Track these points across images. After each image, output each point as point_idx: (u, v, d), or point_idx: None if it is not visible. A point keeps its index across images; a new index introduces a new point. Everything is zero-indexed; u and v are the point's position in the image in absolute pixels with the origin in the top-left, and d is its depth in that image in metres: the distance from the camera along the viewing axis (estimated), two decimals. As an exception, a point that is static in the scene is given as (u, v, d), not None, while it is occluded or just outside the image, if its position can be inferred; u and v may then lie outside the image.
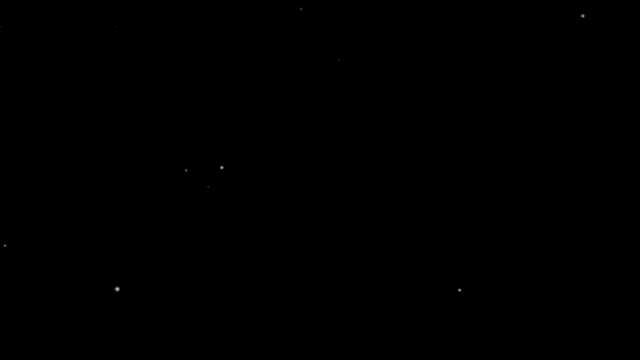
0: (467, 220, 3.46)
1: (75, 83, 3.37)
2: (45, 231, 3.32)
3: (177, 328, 3.35)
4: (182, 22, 3.39)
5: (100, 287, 3.30)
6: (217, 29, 3.40)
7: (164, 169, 3.34)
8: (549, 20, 3.46)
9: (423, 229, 3.45)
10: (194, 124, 3.38)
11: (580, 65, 3.47)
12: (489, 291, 3.45)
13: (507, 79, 3.46)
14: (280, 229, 3.41)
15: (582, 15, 3.46)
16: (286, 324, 3.39)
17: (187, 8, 3.39)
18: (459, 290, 3.44)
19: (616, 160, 3.47)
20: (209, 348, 3.37)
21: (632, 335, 3.41)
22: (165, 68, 3.38)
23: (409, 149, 3.46)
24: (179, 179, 3.34)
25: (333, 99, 3.44)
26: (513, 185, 3.46)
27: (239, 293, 3.39)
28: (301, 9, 3.32)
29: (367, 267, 3.44)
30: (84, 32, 3.37)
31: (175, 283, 3.35)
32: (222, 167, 3.32)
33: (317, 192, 3.43)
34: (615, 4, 3.46)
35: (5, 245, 3.29)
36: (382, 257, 3.44)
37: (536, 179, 3.46)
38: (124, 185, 3.34)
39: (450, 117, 3.46)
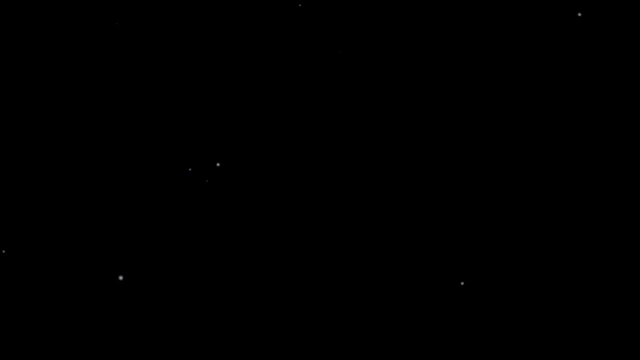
0: (468, 214, 3.46)
1: (73, 79, 3.39)
2: (48, 222, 3.35)
3: (180, 316, 3.35)
4: (180, 18, 3.42)
5: (105, 276, 3.33)
6: (214, 26, 3.42)
7: (162, 165, 3.38)
8: (546, 19, 3.49)
9: (425, 224, 3.45)
10: (192, 121, 3.41)
11: (577, 64, 3.49)
12: (491, 285, 3.43)
13: (504, 76, 3.48)
14: (275, 219, 3.43)
15: (579, 14, 3.49)
16: (282, 309, 3.39)
17: (184, 4, 3.45)
18: (462, 283, 3.43)
19: (611, 156, 3.47)
20: (209, 337, 3.37)
21: (632, 327, 3.38)
22: (162, 64, 3.41)
23: (411, 143, 3.47)
24: (178, 175, 3.38)
25: (330, 97, 3.46)
26: (513, 181, 3.47)
27: (238, 286, 3.40)
28: (300, 5, 3.37)
29: (369, 262, 3.43)
30: (84, 31, 3.40)
31: (177, 272, 3.37)
32: (218, 164, 3.37)
33: (315, 187, 3.45)
34: (612, 2, 3.49)
35: (4, 252, 3.32)
36: (384, 251, 3.43)
37: (535, 174, 3.47)
38: (125, 180, 3.38)
39: (449, 112, 3.48)
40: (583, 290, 3.43)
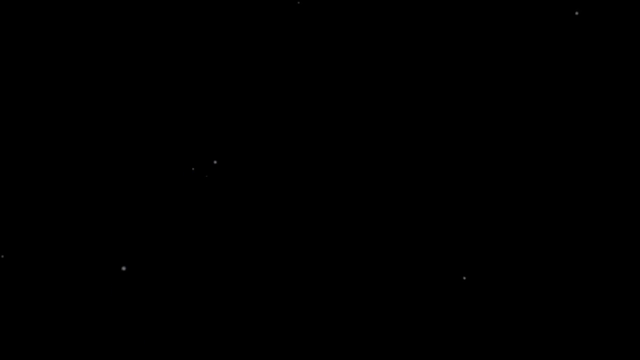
0: (470, 210, 3.45)
1: (74, 79, 3.42)
2: (53, 214, 3.38)
3: (181, 307, 3.37)
4: (177, 16, 3.44)
5: (108, 267, 3.36)
6: (212, 22, 3.45)
7: (163, 161, 3.41)
8: (543, 18, 3.51)
9: (427, 219, 3.45)
10: (189, 120, 3.42)
11: (574, 63, 3.49)
12: (493, 280, 3.42)
13: (502, 75, 3.49)
14: (273, 213, 3.44)
15: (576, 13, 3.51)
16: (281, 298, 3.39)
17: (182, 2, 3.46)
18: (464, 278, 3.42)
19: (609, 152, 3.47)
20: (211, 327, 3.37)
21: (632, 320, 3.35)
22: (159, 61, 3.43)
23: (411, 140, 3.48)
24: (179, 172, 3.42)
25: (327, 94, 3.47)
26: (514, 177, 3.47)
27: (237, 279, 3.41)
28: (299, 2, 3.42)
29: (370, 257, 3.43)
30: (84, 31, 3.43)
31: (178, 263, 3.39)
32: (215, 162, 3.42)
33: (314, 183, 3.47)
34: (609, 1, 3.51)
35: (3, 257, 3.36)
36: (385, 246, 3.43)
37: (534, 171, 3.47)
38: (127, 175, 3.40)
39: (448, 107, 3.50)
40: (584, 287, 3.40)
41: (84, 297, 3.34)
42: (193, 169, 3.39)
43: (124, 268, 3.33)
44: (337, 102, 3.47)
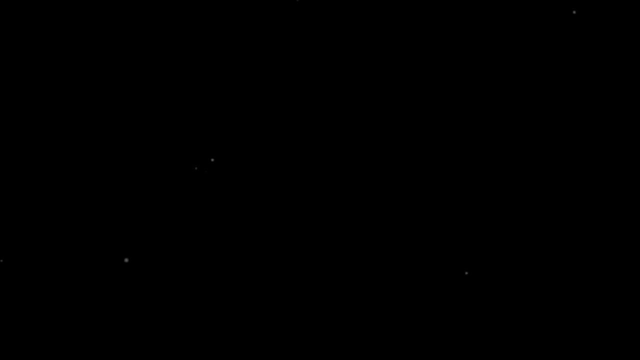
0: (471, 205, 3.46)
1: (74, 79, 3.44)
2: (57, 207, 3.39)
3: (183, 298, 3.36)
4: (175, 14, 3.46)
5: (111, 258, 3.38)
6: (210, 22, 3.46)
7: (164, 158, 3.42)
8: (541, 17, 3.52)
9: (429, 214, 3.45)
10: (187, 119, 3.43)
11: (571, 62, 3.51)
12: (495, 275, 3.41)
13: (499, 74, 3.50)
14: (270, 208, 3.45)
15: (574, 12, 3.54)
16: (282, 290, 3.38)
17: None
18: (466, 273, 3.42)
19: (607, 149, 3.48)
20: (212, 318, 3.36)
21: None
22: (156, 58, 3.44)
23: (412, 135, 3.49)
24: (179, 169, 3.44)
25: (325, 93, 3.47)
26: (515, 174, 3.48)
27: (237, 272, 3.42)
28: (297, 0, 3.46)
29: (372, 253, 3.43)
30: (84, 31, 3.44)
31: (179, 255, 3.40)
32: (212, 160, 3.45)
33: (315, 180, 3.48)
34: (607, 0, 3.55)
35: (2, 261, 3.38)
36: (387, 242, 3.43)
37: (534, 168, 3.47)
38: (129, 172, 3.41)
39: (448, 103, 3.51)
40: (585, 286, 3.39)
41: (87, 289, 3.34)
42: (196, 168, 3.42)
43: (126, 260, 3.34)
44: (336, 101, 3.48)
